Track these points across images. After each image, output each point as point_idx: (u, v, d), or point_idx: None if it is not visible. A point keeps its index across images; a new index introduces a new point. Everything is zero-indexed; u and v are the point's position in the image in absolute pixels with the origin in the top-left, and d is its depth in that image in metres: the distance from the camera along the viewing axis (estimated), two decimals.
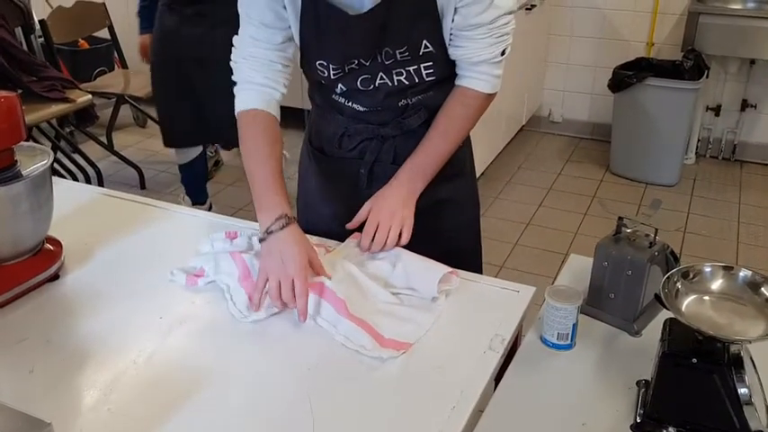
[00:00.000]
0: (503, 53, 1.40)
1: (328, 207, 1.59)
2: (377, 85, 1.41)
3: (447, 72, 1.42)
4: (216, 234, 1.49)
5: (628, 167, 3.97)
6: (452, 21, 1.34)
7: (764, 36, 3.58)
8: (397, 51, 1.36)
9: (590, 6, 4.22)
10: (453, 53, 1.40)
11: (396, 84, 1.41)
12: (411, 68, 1.39)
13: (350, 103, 1.47)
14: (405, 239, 1.40)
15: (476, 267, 1.66)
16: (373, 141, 1.51)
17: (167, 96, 3.11)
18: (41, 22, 3.74)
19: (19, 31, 3.63)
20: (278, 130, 1.43)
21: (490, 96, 1.46)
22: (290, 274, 1.24)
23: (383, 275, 1.37)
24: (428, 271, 1.34)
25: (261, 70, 1.41)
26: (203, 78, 2.92)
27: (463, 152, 1.58)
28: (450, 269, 1.35)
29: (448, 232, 1.58)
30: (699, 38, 3.67)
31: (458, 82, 1.44)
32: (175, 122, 3.15)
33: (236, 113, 1.43)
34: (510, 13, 1.37)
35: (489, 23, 1.35)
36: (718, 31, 3.64)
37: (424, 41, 1.35)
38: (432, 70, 1.40)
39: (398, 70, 1.39)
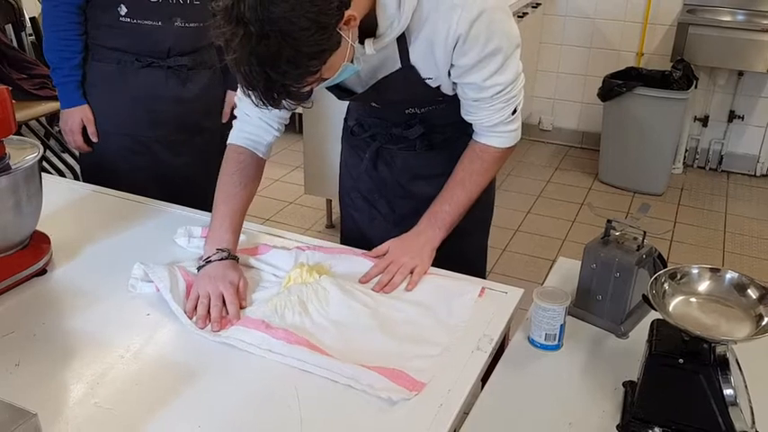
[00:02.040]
0: (514, 112, 1.42)
1: (350, 180, 1.73)
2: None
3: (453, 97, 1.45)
4: (195, 228, 1.52)
5: (616, 176, 3.99)
6: (449, 75, 1.36)
7: (753, 48, 3.61)
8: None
9: (581, 15, 4.24)
10: (465, 118, 1.45)
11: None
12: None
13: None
14: (410, 286, 1.38)
15: (480, 270, 1.69)
16: (381, 133, 1.60)
17: None
18: (32, 19, 3.72)
19: (9, 28, 3.61)
20: (256, 170, 1.50)
21: (508, 150, 1.49)
22: (219, 289, 1.30)
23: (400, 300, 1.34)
24: (459, 297, 1.34)
25: (257, 112, 1.45)
26: None
27: None
28: (479, 290, 1.36)
29: (461, 236, 1.59)
30: (688, 49, 3.71)
31: (474, 138, 1.48)
32: None
33: (227, 142, 1.52)
34: (515, 80, 1.38)
35: (495, 95, 1.37)
36: (707, 42, 3.68)
37: (423, 101, 1.47)
38: (434, 107, 1.48)
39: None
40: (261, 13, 1.04)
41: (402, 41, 1.30)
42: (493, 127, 1.43)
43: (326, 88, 1.42)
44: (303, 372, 1.14)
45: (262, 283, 1.39)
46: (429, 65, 1.34)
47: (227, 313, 1.28)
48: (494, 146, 1.46)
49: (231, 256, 1.38)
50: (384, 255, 1.45)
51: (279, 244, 1.53)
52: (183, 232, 1.53)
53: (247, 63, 1.08)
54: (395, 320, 1.27)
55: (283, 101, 1.15)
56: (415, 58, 1.33)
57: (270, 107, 1.16)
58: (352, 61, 1.22)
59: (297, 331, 1.21)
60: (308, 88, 1.16)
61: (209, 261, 1.36)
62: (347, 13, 1.13)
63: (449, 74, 1.36)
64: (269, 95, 1.13)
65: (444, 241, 1.48)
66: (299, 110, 3.08)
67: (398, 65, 1.34)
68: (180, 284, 1.32)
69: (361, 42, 1.26)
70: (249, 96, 1.14)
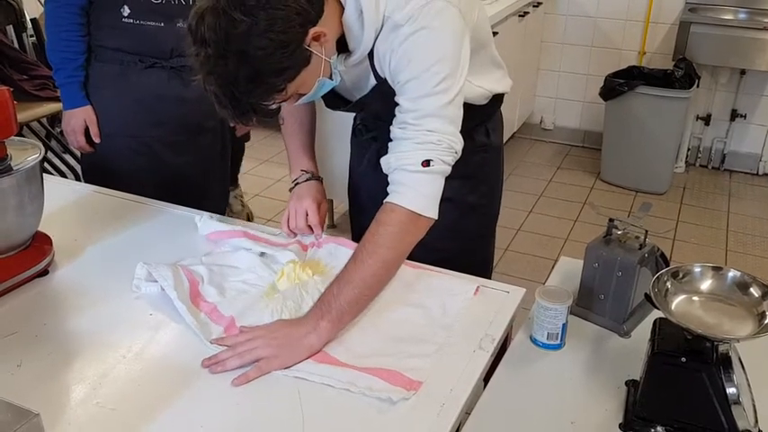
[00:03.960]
0: (427, 164, 1.21)
1: (356, 179, 1.75)
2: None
3: None
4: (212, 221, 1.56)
5: (618, 175, 3.99)
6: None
7: (755, 47, 3.61)
8: None
9: (582, 14, 4.24)
10: (381, 162, 1.28)
11: None
12: None
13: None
14: (237, 381, 1.12)
15: (485, 270, 1.69)
16: (382, 135, 1.56)
17: None
18: (33, 20, 3.72)
19: (11, 29, 3.61)
20: (305, 112, 1.60)
21: (417, 217, 1.22)
22: (303, 206, 1.53)
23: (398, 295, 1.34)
24: (453, 296, 1.34)
25: None
26: None
27: (494, 159, 1.62)
28: (474, 288, 1.36)
29: (467, 234, 1.59)
30: (690, 47, 3.70)
31: (389, 199, 1.26)
32: None
33: None
34: (447, 121, 1.23)
35: (415, 120, 1.22)
36: (709, 40, 3.67)
37: None
38: None
39: None
40: (219, 33, 1.08)
41: (371, 58, 1.30)
42: (397, 170, 1.23)
43: (323, 100, 1.43)
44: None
45: (254, 270, 1.40)
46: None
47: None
48: (399, 204, 1.22)
49: (314, 177, 1.58)
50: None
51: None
52: (200, 219, 1.58)
53: (209, 83, 1.12)
54: (389, 320, 1.27)
55: (254, 118, 1.17)
56: (381, 73, 1.32)
57: (243, 123, 1.19)
58: (331, 77, 1.23)
59: None
60: (275, 105, 1.19)
61: (297, 183, 1.56)
62: (314, 30, 1.14)
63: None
64: (238, 113, 1.16)
65: (449, 242, 1.47)
66: None
67: (374, 81, 1.34)
68: (184, 283, 1.32)
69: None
70: (223, 114, 1.17)
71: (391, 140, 1.27)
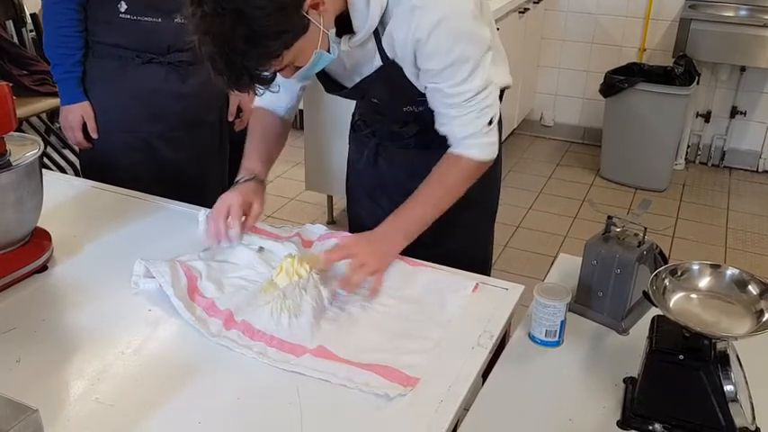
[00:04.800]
0: (489, 123, 1.37)
1: (355, 175, 1.73)
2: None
3: None
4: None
5: (618, 172, 3.99)
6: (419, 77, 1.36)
7: (755, 43, 3.60)
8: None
9: (583, 11, 4.24)
10: (439, 129, 1.40)
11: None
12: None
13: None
14: (371, 294, 1.32)
15: (484, 266, 1.69)
16: (381, 130, 1.60)
17: None
18: (33, 15, 3.72)
19: (10, 24, 3.61)
20: (278, 124, 1.57)
21: (483, 164, 1.42)
22: (227, 202, 1.43)
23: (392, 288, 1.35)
24: (452, 292, 1.34)
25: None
26: None
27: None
28: (473, 285, 1.36)
29: (465, 229, 1.60)
30: (690, 44, 3.70)
31: (450, 150, 1.41)
32: None
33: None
34: (486, 88, 1.34)
35: (465, 102, 1.33)
36: (709, 37, 3.67)
37: (410, 99, 1.44)
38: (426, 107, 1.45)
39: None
40: None
41: (378, 38, 1.30)
42: (467, 138, 1.38)
43: (320, 81, 1.42)
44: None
45: (252, 266, 1.39)
46: (404, 63, 1.33)
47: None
48: (469, 156, 1.39)
49: (256, 180, 1.48)
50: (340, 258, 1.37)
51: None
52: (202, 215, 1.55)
53: (204, 43, 1.10)
54: (387, 316, 1.28)
55: (248, 85, 1.16)
56: (392, 55, 1.32)
57: (238, 90, 1.18)
58: (329, 50, 1.22)
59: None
60: (270, 72, 1.17)
61: (237, 182, 1.48)
62: None
63: (418, 76, 1.35)
64: (233, 78, 1.14)
65: (449, 237, 1.47)
66: (301, 106, 3.06)
67: (379, 62, 1.34)
68: (182, 280, 1.32)
69: (340, 38, 1.26)
70: (219, 82, 1.16)
71: (443, 123, 1.38)
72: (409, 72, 1.35)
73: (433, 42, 1.25)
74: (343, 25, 1.26)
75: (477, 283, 1.36)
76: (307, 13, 1.14)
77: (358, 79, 1.40)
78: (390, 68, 1.33)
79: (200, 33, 1.10)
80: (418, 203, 1.41)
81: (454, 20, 1.24)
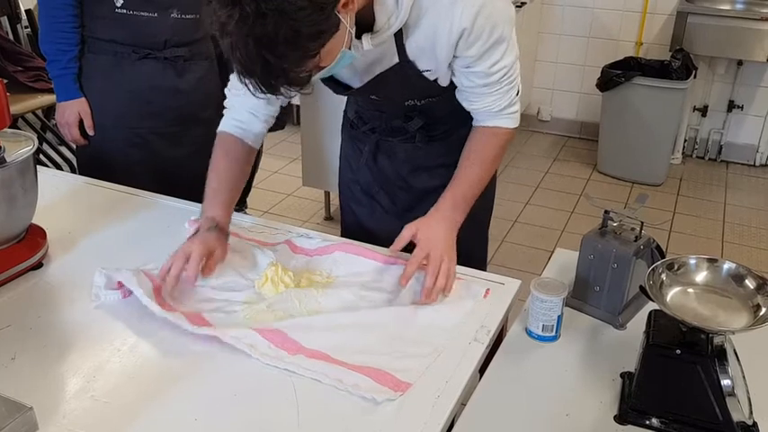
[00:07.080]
0: (517, 93, 1.43)
1: (350, 172, 1.72)
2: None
3: (452, 87, 1.44)
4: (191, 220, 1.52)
5: (615, 166, 3.99)
6: (449, 67, 1.36)
7: (752, 37, 3.60)
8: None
9: (580, 5, 4.23)
10: (469, 107, 1.44)
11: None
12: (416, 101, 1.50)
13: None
14: (448, 291, 1.33)
15: (480, 262, 1.69)
16: (380, 126, 1.59)
17: None
18: (28, 11, 3.71)
19: (5, 20, 3.60)
20: (245, 154, 1.48)
21: (515, 131, 1.48)
22: (188, 250, 1.31)
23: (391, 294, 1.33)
24: (461, 299, 1.32)
25: (245, 104, 1.45)
26: None
27: None
28: (484, 291, 1.34)
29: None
30: (687, 38, 3.69)
31: (482, 124, 1.45)
32: None
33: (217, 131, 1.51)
34: (516, 62, 1.38)
35: (500, 79, 1.37)
36: (706, 31, 3.66)
37: (421, 94, 1.45)
38: (434, 98, 1.46)
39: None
40: None
41: (399, 36, 1.29)
42: (502, 110, 1.42)
43: (324, 83, 1.41)
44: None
45: (237, 269, 1.37)
46: (427, 58, 1.33)
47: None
48: (504, 127, 1.44)
49: (219, 228, 1.37)
50: (407, 242, 1.37)
51: (278, 234, 1.54)
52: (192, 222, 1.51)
53: (244, 45, 1.03)
54: (391, 318, 1.26)
55: (282, 87, 1.11)
56: (413, 52, 1.32)
57: (267, 94, 1.12)
58: (350, 48, 1.21)
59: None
60: (306, 73, 1.13)
61: (198, 230, 1.37)
62: None
63: (449, 65, 1.35)
64: (267, 81, 1.09)
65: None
66: (297, 101, 3.05)
67: (396, 59, 1.33)
68: (146, 284, 1.28)
69: (359, 38, 1.24)
70: (245, 84, 1.09)
71: (474, 100, 1.41)
72: (427, 65, 1.34)
73: (477, 30, 1.27)
74: (361, 25, 1.24)
75: (488, 289, 1.35)
76: (338, 12, 1.11)
77: (369, 78, 1.39)
78: (406, 65, 1.34)
79: (239, 36, 1.03)
80: (466, 177, 1.44)
81: (490, 5, 1.27)
